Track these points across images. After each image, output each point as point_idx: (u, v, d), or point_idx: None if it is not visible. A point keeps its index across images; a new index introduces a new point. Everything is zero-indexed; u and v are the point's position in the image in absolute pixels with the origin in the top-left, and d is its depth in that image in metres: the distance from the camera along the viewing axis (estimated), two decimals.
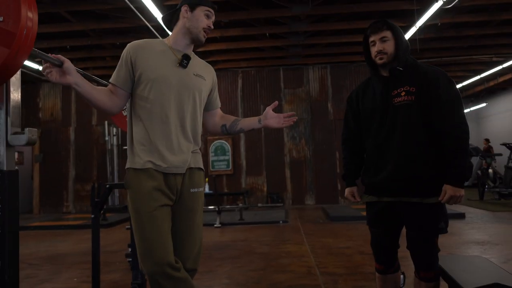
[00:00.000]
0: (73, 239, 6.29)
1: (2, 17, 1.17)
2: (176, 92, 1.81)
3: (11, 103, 1.33)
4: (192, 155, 1.87)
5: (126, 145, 9.17)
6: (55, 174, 10.24)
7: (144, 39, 1.91)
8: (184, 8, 1.86)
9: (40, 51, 1.45)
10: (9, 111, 1.32)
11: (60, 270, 4.25)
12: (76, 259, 4.79)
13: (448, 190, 1.89)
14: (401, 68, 2.02)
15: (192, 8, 1.85)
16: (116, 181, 9.55)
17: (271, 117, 2.01)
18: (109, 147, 9.71)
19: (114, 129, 9.74)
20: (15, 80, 1.35)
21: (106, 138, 9.67)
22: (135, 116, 1.84)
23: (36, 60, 8.19)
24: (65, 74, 1.61)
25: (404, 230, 2.10)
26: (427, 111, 1.95)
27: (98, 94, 1.76)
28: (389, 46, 2.02)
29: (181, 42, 1.88)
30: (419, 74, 2.01)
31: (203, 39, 1.89)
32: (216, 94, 2.06)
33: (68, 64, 1.61)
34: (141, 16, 6.28)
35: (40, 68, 8.70)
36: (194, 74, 1.87)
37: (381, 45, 2.03)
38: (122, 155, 9.89)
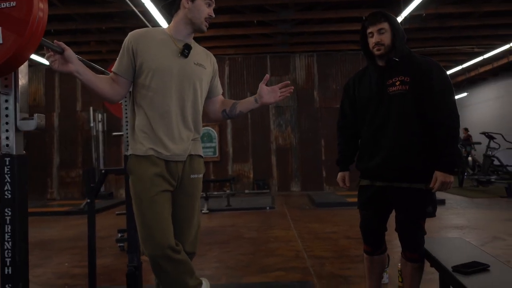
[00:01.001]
0: (60, 225, 6.29)
1: (14, 2, 1.20)
2: (177, 81, 1.84)
3: (20, 90, 1.37)
4: (192, 142, 1.92)
5: (112, 132, 9.00)
6: (38, 161, 10.10)
7: (145, 28, 1.93)
8: None
9: (43, 38, 1.47)
10: (18, 97, 1.36)
11: (50, 256, 4.28)
12: (65, 245, 4.82)
13: (439, 176, 1.98)
14: (397, 59, 2.08)
15: None
16: (102, 167, 9.50)
17: (265, 94, 1.99)
18: (94, 133, 9.60)
19: (99, 115, 9.62)
20: (23, 67, 1.38)
21: (91, 124, 9.54)
22: (137, 104, 1.87)
23: None
24: (66, 62, 1.62)
25: (392, 213, 2.21)
26: (420, 101, 2.02)
27: (100, 82, 1.78)
28: (386, 38, 2.08)
29: (183, 32, 1.89)
30: (413, 64, 2.08)
31: (205, 29, 1.91)
32: (217, 81, 2.08)
33: (69, 51, 1.62)
34: (128, 1, 6.20)
35: None
36: (194, 63, 1.89)
37: (378, 37, 2.08)
38: (108, 142, 9.82)
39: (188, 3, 1.84)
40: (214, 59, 2.06)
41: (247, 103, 2.05)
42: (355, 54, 10.11)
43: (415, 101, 2.03)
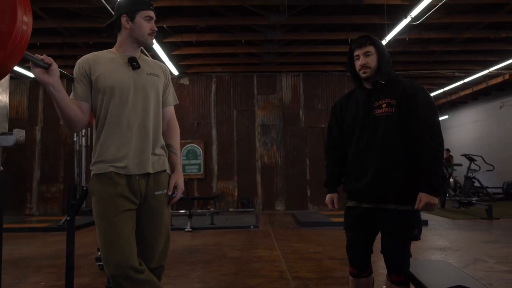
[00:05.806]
0: (38, 242, 6.10)
1: None
2: (133, 94, 1.85)
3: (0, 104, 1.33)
4: (156, 157, 1.90)
5: None
6: (18, 175, 9.85)
7: (91, 53, 1.93)
8: (123, 19, 1.87)
9: (29, 53, 1.46)
10: None
11: (26, 275, 4.12)
12: (42, 262, 4.66)
13: (423, 197, 1.98)
14: (383, 82, 2.11)
15: (132, 18, 1.87)
16: (83, 182, 9.30)
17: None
18: (77, 148, 9.44)
19: (83, 130, 9.49)
20: (4, 81, 1.35)
21: (75, 139, 9.40)
22: (96, 122, 1.87)
23: None
24: (47, 73, 1.64)
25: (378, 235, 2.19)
26: (406, 123, 2.04)
27: (72, 104, 1.78)
28: (372, 61, 2.11)
29: (129, 49, 1.92)
30: (399, 87, 2.11)
31: (152, 42, 1.95)
32: (169, 91, 2.06)
33: (54, 66, 1.66)
34: None
35: None
36: (147, 74, 1.92)
37: (364, 60, 2.12)
38: (91, 157, 9.65)
39: (128, 23, 1.88)
40: (167, 69, 2.07)
41: (170, 161, 2.00)
42: (340, 75, 10.28)
43: (401, 124, 2.05)
